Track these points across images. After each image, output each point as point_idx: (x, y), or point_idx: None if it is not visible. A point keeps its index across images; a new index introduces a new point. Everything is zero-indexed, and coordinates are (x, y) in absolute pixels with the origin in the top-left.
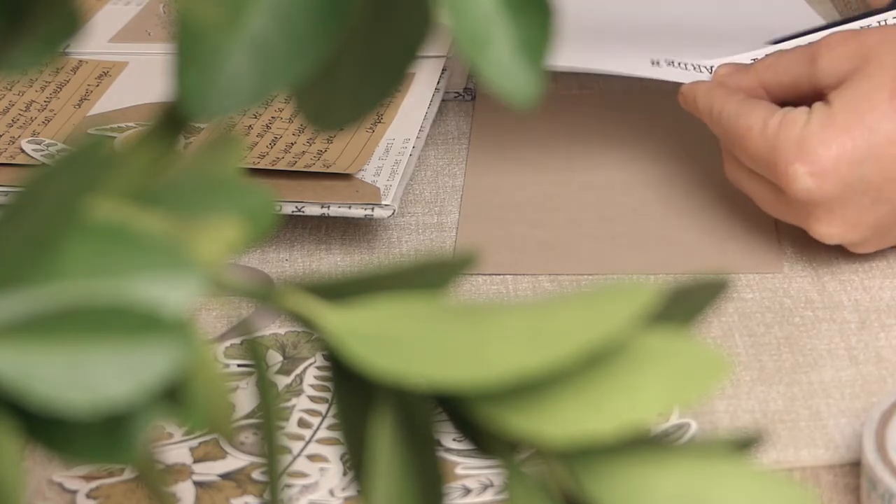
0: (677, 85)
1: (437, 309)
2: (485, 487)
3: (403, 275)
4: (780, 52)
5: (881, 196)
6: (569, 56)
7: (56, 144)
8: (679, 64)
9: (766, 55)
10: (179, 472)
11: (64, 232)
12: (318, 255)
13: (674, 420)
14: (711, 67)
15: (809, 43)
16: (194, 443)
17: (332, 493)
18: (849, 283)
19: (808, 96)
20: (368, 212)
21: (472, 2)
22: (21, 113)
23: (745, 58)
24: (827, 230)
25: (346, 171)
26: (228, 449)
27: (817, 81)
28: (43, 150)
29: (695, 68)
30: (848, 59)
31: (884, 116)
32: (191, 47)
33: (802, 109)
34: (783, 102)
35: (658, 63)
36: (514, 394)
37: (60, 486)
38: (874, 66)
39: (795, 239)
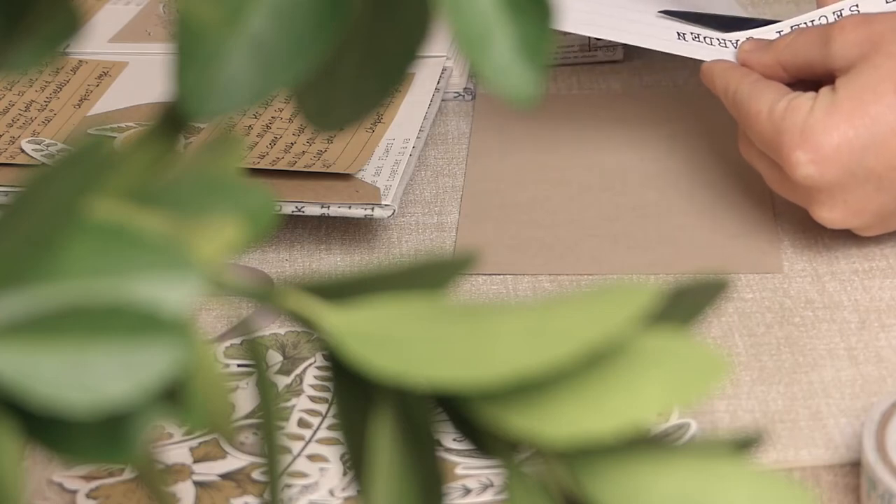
0: (677, 81)
1: (437, 309)
2: (485, 487)
3: (403, 275)
4: (800, 30)
5: (883, 185)
6: (597, 27)
7: (56, 144)
8: (704, 38)
9: (787, 33)
10: (179, 472)
11: (64, 232)
12: (318, 255)
13: (674, 420)
14: (737, 41)
15: (827, 23)
16: (194, 443)
17: (332, 493)
18: (849, 283)
19: (823, 76)
20: (368, 212)
21: (471, 2)
22: (21, 113)
23: (770, 30)
24: (829, 215)
25: (346, 171)
26: (228, 449)
27: (829, 64)
28: (43, 150)
29: (720, 42)
30: (858, 45)
31: (887, 108)
32: (191, 47)
33: (809, 95)
34: (802, 81)
35: (684, 37)
36: (514, 394)
37: (60, 486)
38: (882, 55)
39: (795, 239)
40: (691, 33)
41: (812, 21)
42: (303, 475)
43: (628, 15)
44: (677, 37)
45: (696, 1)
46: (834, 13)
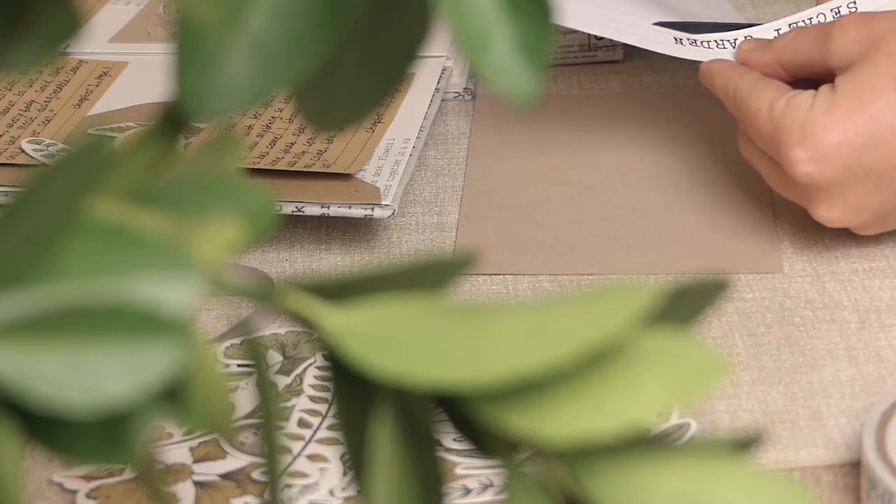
0: (677, 81)
1: (437, 309)
2: (485, 487)
3: (403, 275)
4: (799, 29)
5: (882, 183)
6: (597, 25)
7: (56, 144)
8: (701, 43)
9: (786, 32)
10: (179, 472)
11: (64, 232)
12: (318, 255)
13: (674, 420)
14: (735, 41)
15: (826, 22)
16: (194, 443)
17: (332, 493)
18: (849, 283)
19: (823, 74)
20: (368, 212)
21: (471, 2)
22: (21, 113)
23: (768, 29)
24: (828, 214)
25: (346, 171)
26: (228, 449)
27: (829, 62)
28: (43, 150)
29: (718, 45)
30: (858, 44)
31: (887, 105)
32: (191, 47)
33: (809, 93)
34: (801, 79)
35: (681, 41)
36: (514, 394)
37: (60, 486)
38: (882, 54)
39: (795, 239)
40: (688, 39)
41: (810, 19)
42: (303, 475)
43: (627, 19)
44: (675, 41)
45: (689, 6)
46: (832, 10)
